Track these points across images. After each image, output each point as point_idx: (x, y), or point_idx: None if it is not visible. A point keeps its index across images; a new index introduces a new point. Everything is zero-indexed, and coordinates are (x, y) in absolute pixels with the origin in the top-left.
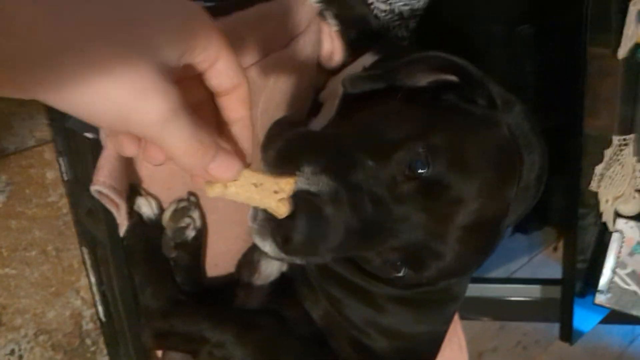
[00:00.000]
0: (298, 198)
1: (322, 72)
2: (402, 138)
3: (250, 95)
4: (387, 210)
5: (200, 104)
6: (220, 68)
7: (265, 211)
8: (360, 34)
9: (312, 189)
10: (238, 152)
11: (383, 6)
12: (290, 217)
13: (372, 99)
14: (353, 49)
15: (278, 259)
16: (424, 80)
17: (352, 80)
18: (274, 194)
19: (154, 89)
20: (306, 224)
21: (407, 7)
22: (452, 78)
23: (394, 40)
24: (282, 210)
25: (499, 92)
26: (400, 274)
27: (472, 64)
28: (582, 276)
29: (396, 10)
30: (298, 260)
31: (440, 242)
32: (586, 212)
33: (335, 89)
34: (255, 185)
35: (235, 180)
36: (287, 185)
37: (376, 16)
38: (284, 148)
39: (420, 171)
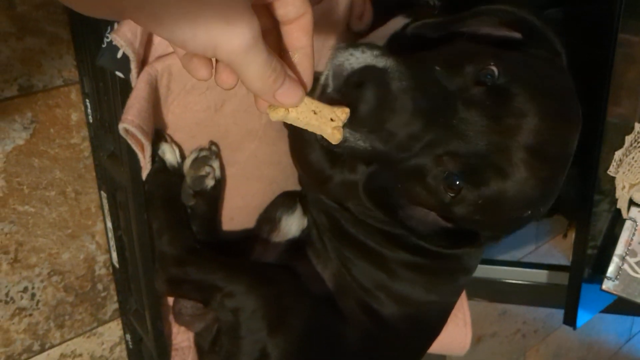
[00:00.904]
0: (365, 71)
1: (349, 34)
2: (473, 55)
3: (313, 25)
4: (454, 105)
5: (265, 32)
6: None
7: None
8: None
9: (380, 64)
10: (299, 80)
11: None
12: (354, 88)
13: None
14: (381, 14)
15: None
16: (486, 31)
17: (419, 25)
18: (330, 121)
19: (240, 17)
20: (373, 93)
21: None
22: (517, 35)
23: (425, 8)
24: (337, 136)
25: (561, 45)
26: (455, 194)
27: (537, 18)
28: (590, 262)
29: None
30: (360, 142)
31: (503, 156)
32: (601, 198)
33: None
34: (314, 112)
35: (296, 106)
36: (342, 113)
37: None
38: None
39: (485, 81)
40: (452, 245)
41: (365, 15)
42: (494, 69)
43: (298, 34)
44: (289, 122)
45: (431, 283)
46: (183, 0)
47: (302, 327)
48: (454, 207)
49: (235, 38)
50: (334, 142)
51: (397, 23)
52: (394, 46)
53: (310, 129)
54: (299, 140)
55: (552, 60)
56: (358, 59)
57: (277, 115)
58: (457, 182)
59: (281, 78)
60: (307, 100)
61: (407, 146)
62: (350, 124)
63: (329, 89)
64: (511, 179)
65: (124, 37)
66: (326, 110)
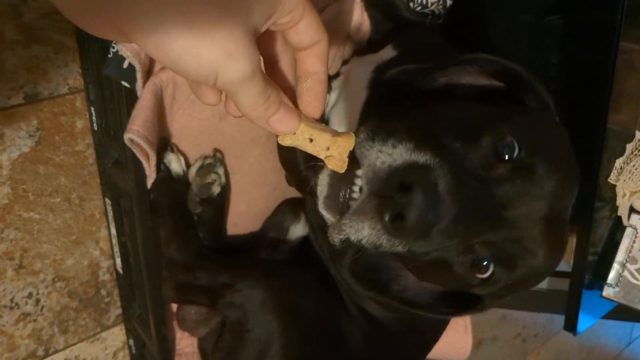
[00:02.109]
0: (409, 171)
1: (349, 44)
2: (483, 125)
3: (327, 52)
4: (490, 192)
5: (276, 57)
6: (302, 27)
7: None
8: (385, 15)
9: (420, 160)
10: (310, 104)
11: None
12: (400, 192)
13: (411, 91)
14: (378, 27)
15: (365, 244)
16: (467, 80)
17: (401, 71)
18: (326, 150)
19: (242, 52)
20: (422, 198)
21: None
22: (500, 84)
23: (425, 20)
24: (331, 165)
25: (549, 96)
26: (485, 275)
27: (524, 69)
28: (591, 269)
29: None
30: (399, 247)
31: (530, 234)
32: (601, 205)
33: (353, 68)
34: (310, 140)
35: (292, 134)
36: (345, 142)
37: None
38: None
39: (506, 156)
40: (457, 312)
41: (363, 25)
42: (513, 140)
43: (312, 60)
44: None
45: None
46: (190, 35)
47: (310, 320)
48: (479, 287)
49: (234, 71)
50: (335, 169)
51: (386, 53)
52: (379, 82)
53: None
54: None
55: (546, 115)
56: (391, 155)
57: (284, 141)
58: (490, 267)
59: (275, 107)
60: (304, 127)
61: (446, 245)
62: (396, 231)
63: (364, 194)
64: (539, 255)
65: (131, 47)
66: (321, 139)
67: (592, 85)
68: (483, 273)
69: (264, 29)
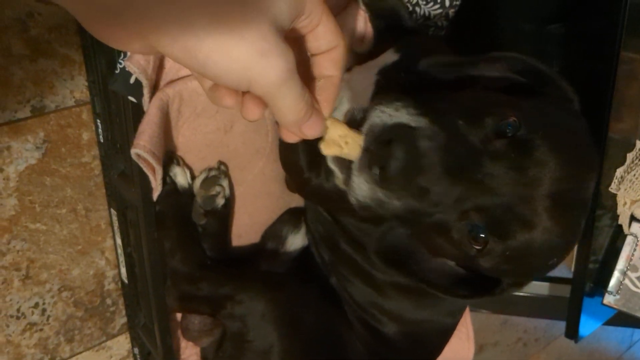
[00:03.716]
0: (395, 129)
1: (350, 55)
2: (491, 106)
3: (344, 57)
4: (480, 160)
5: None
6: (320, 32)
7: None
8: (389, 25)
9: (412, 123)
10: (320, 104)
11: None
12: (384, 145)
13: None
14: (382, 38)
15: (370, 202)
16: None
17: (431, 64)
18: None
19: (274, 50)
20: (401, 150)
21: None
22: (522, 80)
23: (428, 31)
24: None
25: (573, 92)
26: (481, 247)
27: (549, 67)
28: (592, 276)
29: (438, 0)
30: (394, 200)
31: (528, 207)
32: (602, 213)
33: (359, 78)
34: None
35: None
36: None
37: (417, 4)
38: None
39: (508, 133)
40: (475, 295)
41: (366, 37)
42: (517, 121)
43: (328, 65)
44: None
45: (419, 302)
46: (218, 34)
47: (311, 333)
48: (480, 259)
49: (271, 71)
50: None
51: (387, 57)
52: (391, 78)
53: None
54: (283, 142)
55: (566, 105)
56: (391, 116)
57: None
58: (483, 235)
59: (310, 109)
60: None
61: (437, 202)
62: (381, 181)
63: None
64: (537, 228)
65: (137, 64)
66: (351, 138)
67: (593, 94)
68: (478, 242)
69: (289, 28)
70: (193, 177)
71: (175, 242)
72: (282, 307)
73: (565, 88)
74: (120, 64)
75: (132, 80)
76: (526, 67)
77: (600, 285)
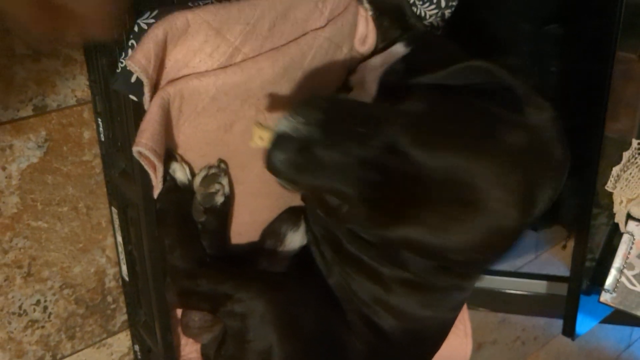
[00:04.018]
0: (279, 138)
1: (355, 54)
2: (368, 120)
3: None
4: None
5: None
6: None
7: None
8: (393, 21)
9: (292, 135)
10: None
11: None
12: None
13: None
14: (385, 35)
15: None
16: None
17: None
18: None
19: None
20: (276, 152)
21: None
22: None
23: (428, 30)
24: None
25: (529, 98)
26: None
27: (511, 74)
28: (589, 274)
29: (434, 0)
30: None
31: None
32: (599, 212)
33: (365, 75)
34: None
35: None
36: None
37: (413, 4)
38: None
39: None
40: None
41: (368, 37)
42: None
43: None
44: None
45: (425, 298)
46: None
47: (310, 333)
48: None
49: None
50: None
51: (396, 50)
52: (389, 82)
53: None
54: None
55: (509, 117)
56: (287, 124)
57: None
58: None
59: None
60: None
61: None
62: (266, 162)
63: None
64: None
65: (139, 63)
66: None
67: (590, 93)
68: None
69: None
70: (193, 174)
71: (175, 239)
72: (281, 308)
73: (521, 96)
74: (122, 63)
75: (133, 79)
76: (490, 75)
77: (597, 283)
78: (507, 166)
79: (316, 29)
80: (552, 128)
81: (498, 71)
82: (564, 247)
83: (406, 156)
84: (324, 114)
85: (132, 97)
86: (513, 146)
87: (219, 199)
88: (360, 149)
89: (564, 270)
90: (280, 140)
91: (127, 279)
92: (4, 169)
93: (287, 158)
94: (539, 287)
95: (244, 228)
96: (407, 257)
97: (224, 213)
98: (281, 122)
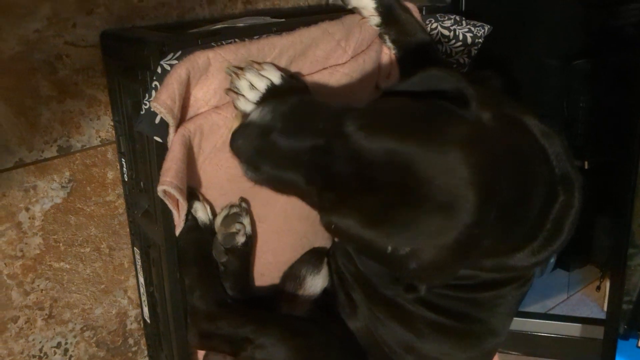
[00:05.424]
0: (245, 124)
1: (377, 91)
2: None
3: None
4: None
5: None
6: None
7: None
8: (418, 60)
9: (257, 122)
10: None
11: (446, 32)
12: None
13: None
14: (409, 74)
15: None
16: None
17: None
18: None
19: None
20: (240, 135)
21: (470, 34)
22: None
23: (452, 68)
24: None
25: (475, 97)
26: None
27: (460, 79)
28: (626, 317)
29: (460, 37)
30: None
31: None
32: (634, 252)
33: None
34: None
35: None
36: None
37: (439, 41)
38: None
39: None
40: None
41: (392, 75)
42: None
43: None
44: None
45: (458, 344)
46: None
47: None
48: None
49: None
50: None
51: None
52: None
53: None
54: None
55: (452, 109)
56: (257, 110)
57: None
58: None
59: None
60: None
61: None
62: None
63: None
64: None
65: (164, 104)
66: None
67: (622, 128)
68: None
69: None
70: (214, 214)
71: (195, 279)
72: (303, 356)
73: (468, 97)
74: (146, 104)
75: (157, 120)
76: (443, 80)
77: (635, 327)
78: (450, 153)
79: (335, 65)
80: (564, 153)
81: (450, 76)
82: (599, 288)
83: (349, 139)
84: (290, 108)
85: (156, 138)
86: (456, 136)
87: (240, 239)
88: (313, 138)
89: (597, 312)
90: (245, 125)
91: (148, 320)
92: (27, 209)
93: (249, 141)
94: (573, 330)
95: (267, 268)
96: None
97: (245, 253)
98: (251, 109)
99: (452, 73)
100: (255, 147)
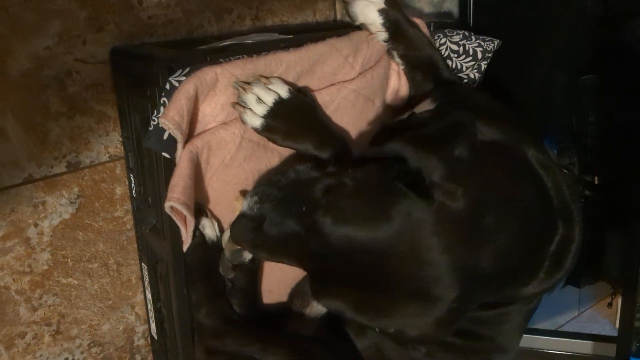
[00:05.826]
0: (239, 216)
1: (390, 109)
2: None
3: None
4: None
5: None
6: None
7: None
8: (426, 75)
9: (249, 213)
10: None
11: (455, 47)
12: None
13: None
14: (418, 88)
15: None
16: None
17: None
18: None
19: None
20: (235, 228)
21: (480, 49)
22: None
23: (463, 82)
24: None
25: (438, 184)
26: None
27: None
28: (638, 335)
29: (470, 52)
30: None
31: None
32: None
33: None
34: None
35: None
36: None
37: (448, 57)
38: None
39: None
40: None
41: (401, 91)
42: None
43: None
44: None
45: None
46: None
47: None
48: None
49: None
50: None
51: (424, 106)
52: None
53: None
54: None
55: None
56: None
57: None
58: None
59: None
60: None
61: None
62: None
63: None
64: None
65: (172, 120)
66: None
67: (631, 143)
68: None
69: None
70: (222, 230)
71: (202, 295)
72: None
73: (425, 178)
74: (154, 120)
75: (165, 136)
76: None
77: None
78: (411, 241)
79: (343, 82)
80: (566, 189)
81: (414, 156)
82: (610, 305)
83: (320, 225)
84: (279, 191)
85: (164, 154)
86: (414, 222)
87: (247, 256)
88: (297, 224)
89: (609, 329)
90: (239, 218)
91: (155, 337)
92: (36, 225)
93: (244, 234)
94: (584, 347)
95: (275, 285)
96: None
97: (253, 270)
98: (242, 202)
99: (420, 150)
100: (249, 239)
